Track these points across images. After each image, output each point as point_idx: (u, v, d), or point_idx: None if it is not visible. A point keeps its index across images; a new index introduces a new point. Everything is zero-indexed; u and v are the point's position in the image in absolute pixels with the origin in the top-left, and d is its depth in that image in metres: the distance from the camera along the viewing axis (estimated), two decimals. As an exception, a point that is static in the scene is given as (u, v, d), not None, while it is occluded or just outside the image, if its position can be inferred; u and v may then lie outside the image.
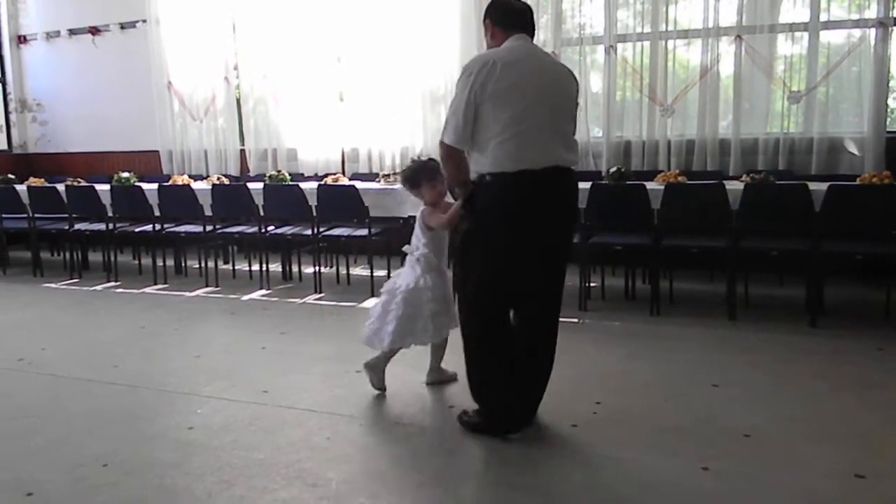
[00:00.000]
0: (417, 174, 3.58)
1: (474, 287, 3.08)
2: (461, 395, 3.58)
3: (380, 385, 3.67)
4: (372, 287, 5.91)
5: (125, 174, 6.85)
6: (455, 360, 3.54)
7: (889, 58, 5.85)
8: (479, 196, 3.04)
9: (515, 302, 3.14)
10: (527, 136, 2.93)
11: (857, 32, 5.90)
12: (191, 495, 2.69)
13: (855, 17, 5.91)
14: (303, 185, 6.16)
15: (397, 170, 7.24)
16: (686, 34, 6.46)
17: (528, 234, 3.01)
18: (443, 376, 3.79)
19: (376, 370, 3.66)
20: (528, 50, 3.09)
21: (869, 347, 4.24)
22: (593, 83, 6.83)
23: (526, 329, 3.15)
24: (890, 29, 5.75)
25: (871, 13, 5.79)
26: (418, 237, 3.60)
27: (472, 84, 2.93)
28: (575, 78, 3.21)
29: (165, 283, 6.57)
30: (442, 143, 3.09)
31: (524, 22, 3.13)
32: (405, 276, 3.60)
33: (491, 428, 3.13)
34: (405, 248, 3.66)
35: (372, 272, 5.93)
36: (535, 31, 3.19)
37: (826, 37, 6.03)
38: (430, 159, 3.63)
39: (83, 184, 7.02)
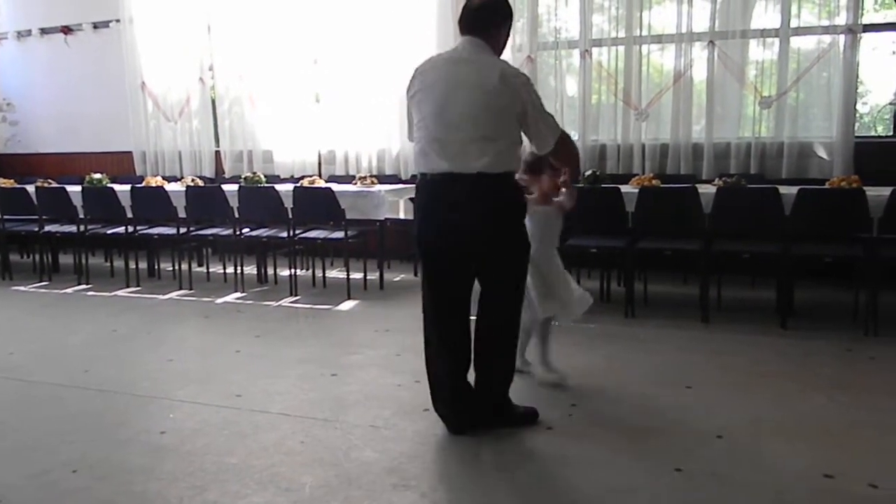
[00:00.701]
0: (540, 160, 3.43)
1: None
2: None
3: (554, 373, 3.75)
4: (348, 290, 5.89)
5: (97, 175, 6.77)
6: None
7: (858, 64, 5.94)
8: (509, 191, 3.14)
9: (446, 298, 3.21)
10: (424, 142, 3.08)
11: (826, 39, 5.98)
12: (163, 500, 2.67)
13: (825, 23, 5.99)
14: (278, 187, 6.14)
15: (374, 172, 7.25)
16: (660, 39, 6.52)
17: (429, 233, 3.17)
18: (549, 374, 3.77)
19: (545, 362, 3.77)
20: (449, 56, 3.15)
21: (838, 348, 4.30)
22: (569, 87, 6.87)
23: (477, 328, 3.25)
24: (858, 36, 5.84)
25: (841, 20, 5.88)
26: None
27: (410, 86, 3.19)
28: (516, 78, 3.02)
29: (138, 285, 6.51)
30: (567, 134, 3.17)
31: (470, 23, 3.12)
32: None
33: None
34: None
35: (348, 275, 5.92)
36: (491, 26, 3.11)
37: (797, 43, 6.12)
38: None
39: (54, 185, 6.93)
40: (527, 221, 3.25)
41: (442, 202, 3.07)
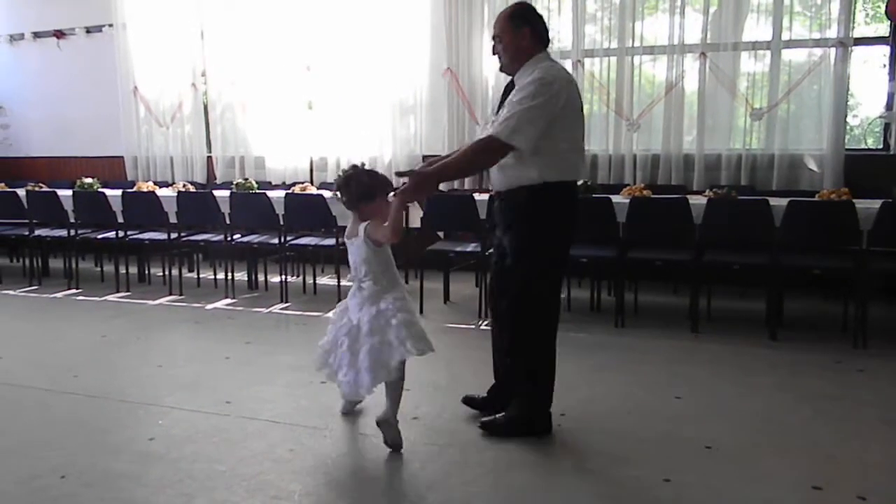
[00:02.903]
0: (374, 187, 3.23)
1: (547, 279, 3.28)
2: (426, 406, 3.59)
3: (395, 442, 3.11)
4: (339, 296, 5.87)
5: (88, 180, 6.74)
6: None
7: (848, 77, 5.98)
8: (541, 201, 3.15)
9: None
10: (576, 153, 3.24)
11: (817, 51, 6.02)
12: (150, 508, 2.66)
13: (816, 36, 6.03)
14: (270, 193, 6.13)
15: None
16: (652, 50, 6.55)
17: (570, 237, 3.32)
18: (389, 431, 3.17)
19: (390, 425, 3.13)
20: (569, 73, 3.32)
21: (827, 360, 4.32)
22: (561, 97, 6.88)
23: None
24: (849, 49, 5.88)
25: (832, 33, 5.92)
26: (367, 261, 3.21)
27: (557, 100, 3.07)
28: None
29: (128, 290, 6.48)
30: (500, 143, 3.08)
31: (547, 39, 3.30)
32: (360, 312, 3.18)
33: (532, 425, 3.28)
34: (349, 279, 3.35)
35: (339, 282, 5.91)
36: None
37: (788, 55, 6.16)
38: (370, 170, 3.34)
39: (45, 189, 6.90)
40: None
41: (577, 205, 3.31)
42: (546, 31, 3.26)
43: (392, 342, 3.07)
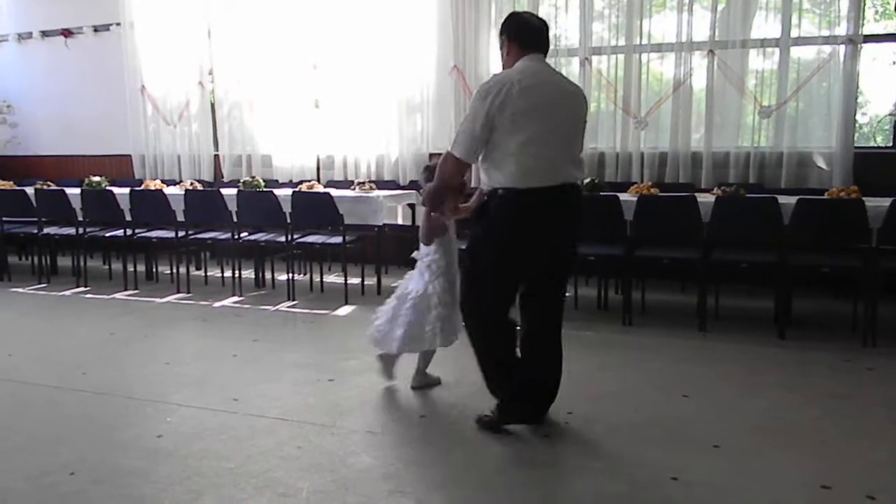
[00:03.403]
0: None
1: (484, 287, 3.28)
2: (434, 404, 3.59)
3: (388, 375, 3.84)
4: (346, 295, 5.89)
5: (96, 178, 6.76)
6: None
7: (857, 74, 5.96)
8: (492, 207, 3.18)
9: (513, 296, 3.32)
10: (540, 157, 3.10)
11: (826, 49, 6.00)
12: (159, 505, 2.66)
13: (825, 33, 6.00)
14: (277, 191, 6.13)
15: (372, 177, 7.25)
16: (659, 48, 6.53)
17: (536, 241, 3.20)
18: (428, 380, 3.85)
19: (387, 363, 3.82)
20: (547, 73, 3.24)
21: (836, 359, 4.30)
22: (568, 94, 6.86)
23: (536, 323, 3.34)
24: (859, 46, 5.86)
25: (841, 30, 5.90)
26: (440, 243, 3.62)
27: (489, 105, 3.06)
28: (584, 98, 3.33)
29: (136, 288, 6.50)
30: (451, 156, 3.19)
31: (540, 40, 3.24)
32: (415, 282, 3.68)
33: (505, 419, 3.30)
34: (414, 255, 3.76)
35: (346, 280, 5.91)
36: (548, 48, 3.28)
37: (796, 53, 6.13)
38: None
39: (53, 187, 6.92)
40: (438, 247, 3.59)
41: (564, 209, 3.21)
42: (528, 34, 3.22)
43: (425, 335, 3.58)
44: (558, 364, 3.35)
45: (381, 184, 6.82)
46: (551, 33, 6.54)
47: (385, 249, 6.54)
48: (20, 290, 6.62)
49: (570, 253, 3.39)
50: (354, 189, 6.30)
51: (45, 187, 6.89)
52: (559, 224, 3.23)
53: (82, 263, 6.72)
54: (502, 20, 3.34)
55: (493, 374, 3.34)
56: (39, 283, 6.83)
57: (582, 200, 3.32)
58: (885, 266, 4.59)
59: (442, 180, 3.30)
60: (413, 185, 6.96)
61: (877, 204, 4.55)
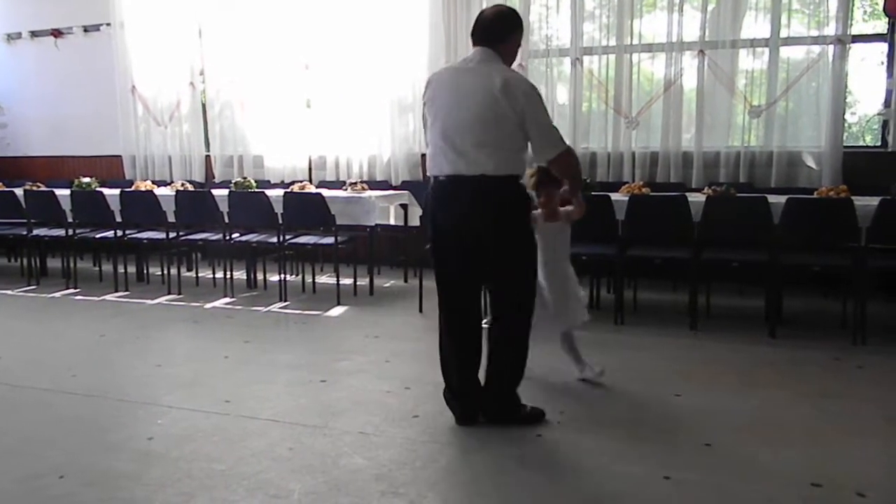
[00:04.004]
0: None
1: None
2: (427, 404, 3.59)
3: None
4: (338, 296, 5.88)
5: (86, 179, 6.73)
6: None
7: (846, 74, 5.99)
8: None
9: (454, 295, 3.36)
10: (434, 147, 3.26)
11: (816, 49, 6.03)
12: (150, 507, 2.65)
13: (814, 33, 6.03)
14: (269, 192, 6.12)
15: (364, 178, 7.25)
16: (650, 48, 6.56)
17: (439, 234, 3.30)
18: (584, 369, 3.95)
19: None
20: (460, 65, 3.33)
21: (826, 357, 4.32)
22: (560, 95, 6.89)
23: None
24: (847, 46, 5.89)
25: (830, 30, 5.92)
26: None
27: (424, 100, 3.33)
28: (515, 87, 3.11)
29: (126, 290, 6.47)
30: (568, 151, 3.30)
31: (483, 34, 3.26)
32: None
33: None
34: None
35: (338, 280, 5.91)
36: (502, 35, 3.24)
37: (786, 53, 6.16)
38: None
39: (43, 188, 6.89)
40: (536, 236, 3.40)
41: (450, 203, 3.24)
42: (473, 29, 3.29)
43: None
44: (487, 375, 3.39)
45: (373, 184, 6.81)
46: (543, 33, 6.73)
47: (377, 250, 6.54)
48: (9, 292, 6.58)
49: (496, 256, 3.24)
50: (346, 189, 6.29)
51: (34, 188, 6.85)
52: (450, 218, 3.23)
53: (72, 265, 6.69)
54: (507, 18, 3.36)
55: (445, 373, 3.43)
56: (29, 285, 6.80)
57: (486, 194, 3.15)
58: (875, 264, 4.62)
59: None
60: (406, 185, 6.95)
61: (866, 203, 4.57)
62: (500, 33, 3.24)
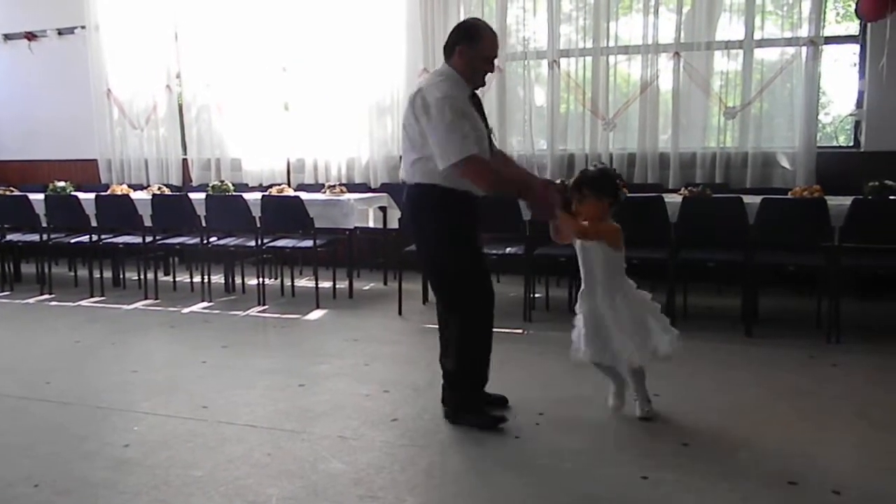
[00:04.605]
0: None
1: None
2: (406, 407, 3.59)
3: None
4: (317, 299, 5.86)
5: (61, 183, 6.66)
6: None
7: (819, 75, 6.06)
8: None
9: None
10: None
11: (790, 50, 6.09)
12: (126, 515, 2.63)
13: (788, 35, 6.09)
14: (247, 195, 6.09)
15: (343, 181, 7.23)
16: (627, 50, 6.59)
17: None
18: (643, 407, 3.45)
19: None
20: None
21: (801, 355, 4.37)
22: (537, 97, 6.91)
23: None
24: (820, 48, 5.95)
25: (803, 32, 5.98)
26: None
27: None
28: (416, 100, 3.23)
29: (102, 295, 6.41)
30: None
31: (443, 49, 3.39)
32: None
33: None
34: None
35: (317, 284, 5.88)
36: (451, 49, 3.32)
37: (760, 54, 6.21)
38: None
39: (16, 193, 6.80)
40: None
41: (404, 207, 3.53)
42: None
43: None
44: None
45: (351, 187, 6.79)
46: (520, 36, 6.74)
47: (356, 253, 6.52)
48: (-17, 298, 6.50)
49: (419, 259, 3.57)
50: (325, 192, 6.27)
51: (7, 193, 6.76)
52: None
53: (47, 270, 6.61)
54: (457, 32, 3.42)
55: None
56: (3, 291, 6.72)
57: (411, 201, 3.37)
58: (848, 263, 4.67)
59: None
60: (384, 187, 6.94)
61: (839, 202, 4.62)
62: (449, 47, 3.35)
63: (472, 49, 3.29)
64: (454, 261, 3.34)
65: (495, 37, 3.39)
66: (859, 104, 6.08)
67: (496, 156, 3.50)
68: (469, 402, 3.40)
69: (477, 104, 3.39)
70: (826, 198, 4.71)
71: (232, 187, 6.37)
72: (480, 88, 3.46)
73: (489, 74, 3.41)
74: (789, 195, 5.00)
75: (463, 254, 3.34)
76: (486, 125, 3.41)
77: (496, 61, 3.47)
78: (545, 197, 3.27)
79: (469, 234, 3.37)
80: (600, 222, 3.34)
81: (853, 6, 5.93)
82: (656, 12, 6.31)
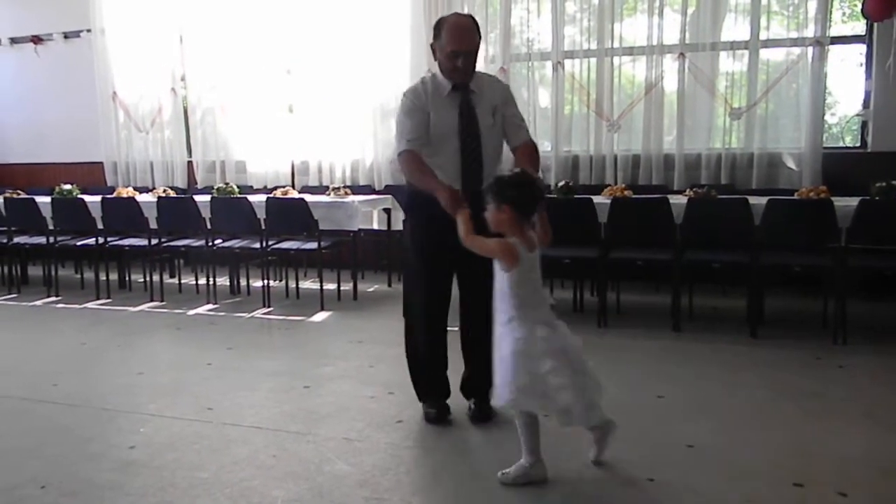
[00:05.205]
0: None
1: None
2: (411, 409, 3.58)
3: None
4: (321, 301, 5.87)
5: (67, 186, 6.69)
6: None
7: (825, 75, 6.04)
8: None
9: None
10: None
11: (795, 51, 6.08)
12: (131, 517, 2.63)
13: (794, 35, 6.08)
14: (251, 197, 6.10)
15: (347, 183, 7.23)
16: (631, 51, 6.57)
17: None
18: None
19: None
20: None
21: (807, 356, 4.35)
22: (541, 98, 6.91)
23: None
24: (826, 48, 5.94)
25: (809, 32, 5.97)
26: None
27: None
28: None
29: (108, 297, 6.42)
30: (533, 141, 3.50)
31: None
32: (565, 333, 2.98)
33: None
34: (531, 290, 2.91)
35: (322, 286, 5.89)
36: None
37: (766, 55, 6.21)
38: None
39: (23, 196, 6.83)
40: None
41: None
42: None
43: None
44: None
45: (356, 189, 6.80)
46: (525, 37, 6.74)
47: (360, 254, 6.53)
48: (-10, 300, 6.52)
49: None
50: (329, 194, 6.27)
51: (14, 196, 6.79)
52: None
53: (53, 273, 6.64)
54: (475, 23, 3.40)
55: None
56: (10, 294, 6.74)
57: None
58: (854, 264, 4.66)
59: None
60: (389, 189, 6.95)
61: (845, 203, 4.62)
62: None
63: (438, 45, 3.34)
64: (408, 257, 3.53)
65: (458, 31, 3.26)
66: (866, 104, 6.07)
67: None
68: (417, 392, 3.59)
69: (464, 99, 3.34)
70: (832, 199, 4.70)
71: (237, 189, 6.38)
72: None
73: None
74: (795, 196, 4.99)
75: (416, 253, 3.45)
76: (474, 120, 3.34)
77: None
78: (449, 207, 3.00)
79: (424, 236, 3.39)
80: (510, 232, 2.82)
81: (859, 6, 5.92)
82: (661, 13, 6.31)
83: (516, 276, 2.80)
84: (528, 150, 3.38)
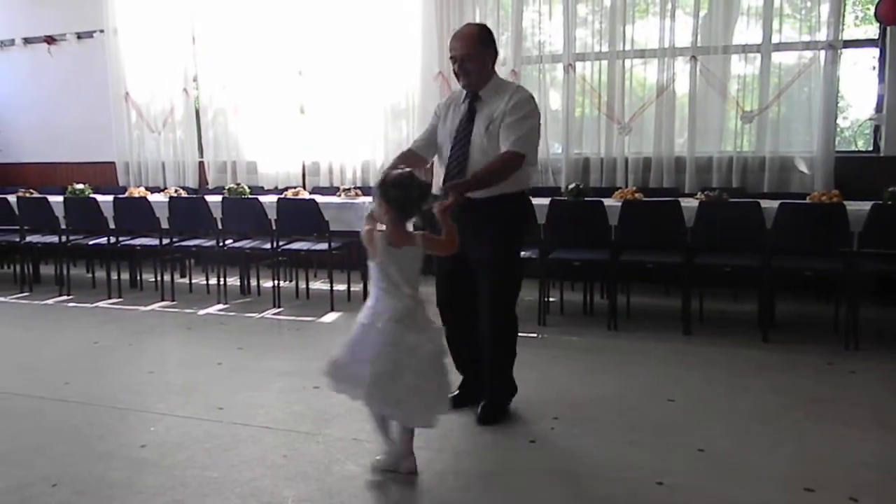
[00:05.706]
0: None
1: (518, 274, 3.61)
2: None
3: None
4: (332, 301, 5.88)
5: (79, 186, 6.72)
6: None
7: (838, 79, 6.02)
8: (516, 207, 3.50)
9: None
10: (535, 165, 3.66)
11: (807, 54, 6.05)
12: (142, 515, 2.65)
13: (806, 39, 6.05)
14: (262, 198, 6.12)
15: (358, 184, 7.24)
16: (643, 54, 6.56)
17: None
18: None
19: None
20: None
21: (819, 361, 4.33)
22: (553, 101, 6.90)
23: None
24: (839, 51, 5.91)
25: (822, 36, 5.94)
26: (416, 273, 2.92)
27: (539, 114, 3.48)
28: None
29: (120, 297, 6.45)
30: (519, 154, 3.34)
31: None
32: (410, 334, 2.90)
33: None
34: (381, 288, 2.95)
35: (332, 287, 5.90)
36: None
37: (778, 58, 6.18)
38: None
39: (35, 195, 6.87)
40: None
41: None
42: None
43: (434, 399, 2.87)
44: None
45: (366, 190, 6.78)
46: (536, 39, 6.75)
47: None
48: (2, 299, 6.55)
49: None
50: (340, 195, 6.28)
51: (27, 195, 6.83)
52: None
53: (65, 272, 6.67)
54: (483, 31, 3.47)
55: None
56: (22, 292, 6.78)
57: None
58: (867, 269, 4.63)
59: (498, 179, 3.34)
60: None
61: (858, 208, 4.59)
62: None
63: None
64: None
65: (453, 37, 3.48)
66: (878, 108, 6.03)
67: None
68: None
69: (470, 107, 3.46)
70: (845, 203, 4.68)
71: (248, 190, 6.39)
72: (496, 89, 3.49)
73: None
74: (807, 200, 4.97)
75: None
76: (469, 127, 3.42)
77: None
78: None
79: None
80: (390, 226, 2.89)
81: (872, 9, 5.89)
82: (673, 16, 6.30)
83: (376, 267, 2.92)
84: (499, 157, 3.32)
